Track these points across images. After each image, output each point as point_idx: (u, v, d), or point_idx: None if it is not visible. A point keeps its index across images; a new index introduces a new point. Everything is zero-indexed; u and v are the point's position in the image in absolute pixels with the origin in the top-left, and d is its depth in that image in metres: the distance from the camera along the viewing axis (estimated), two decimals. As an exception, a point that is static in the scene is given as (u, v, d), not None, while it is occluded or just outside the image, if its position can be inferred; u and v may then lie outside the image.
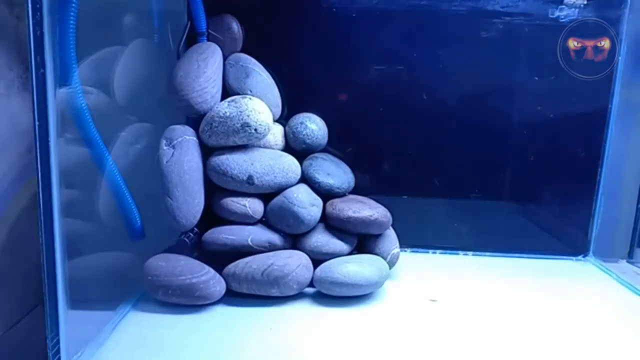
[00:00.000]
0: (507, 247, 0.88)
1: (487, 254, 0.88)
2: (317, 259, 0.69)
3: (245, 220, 0.69)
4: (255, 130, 0.67)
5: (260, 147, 0.72)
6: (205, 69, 0.69)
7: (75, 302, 0.50)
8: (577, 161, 0.86)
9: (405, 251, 0.87)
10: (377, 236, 0.73)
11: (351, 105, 0.86)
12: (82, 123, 0.58)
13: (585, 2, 0.79)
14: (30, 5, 0.42)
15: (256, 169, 0.68)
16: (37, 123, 0.44)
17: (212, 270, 0.65)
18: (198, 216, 0.67)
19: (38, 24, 0.43)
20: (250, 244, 0.67)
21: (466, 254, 0.88)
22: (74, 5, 0.52)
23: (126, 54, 0.69)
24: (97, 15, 0.64)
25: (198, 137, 0.69)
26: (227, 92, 0.72)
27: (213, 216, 0.70)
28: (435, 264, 0.85)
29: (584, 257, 0.88)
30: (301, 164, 0.73)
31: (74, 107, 0.57)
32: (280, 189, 0.70)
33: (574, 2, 0.79)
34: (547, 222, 0.89)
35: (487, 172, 0.87)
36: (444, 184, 0.88)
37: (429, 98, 0.85)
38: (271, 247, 0.68)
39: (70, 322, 0.49)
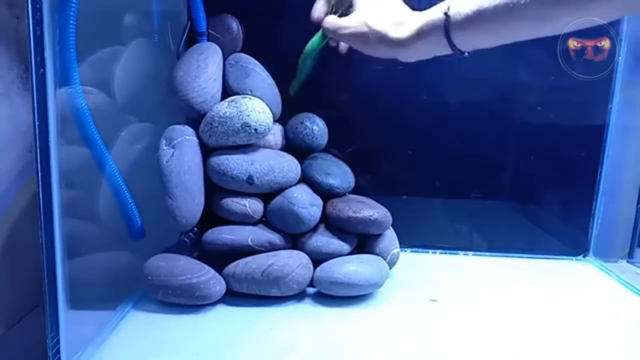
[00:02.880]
0: (507, 247, 0.88)
1: (487, 254, 0.88)
2: (317, 259, 0.69)
3: (245, 220, 0.69)
4: (255, 130, 0.67)
5: (260, 147, 0.72)
6: (205, 69, 0.69)
7: (75, 302, 0.50)
8: (577, 161, 0.86)
9: (405, 251, 0.87)
10: (377, 236, 0.73)
11: (351, 106, 0.86)
12: (82, 123, 0.58)
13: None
14: (30, 5, 0.42)
15: (256, 169, 0.68)
16: (37, 123, 0.44)
17: (212, 270, 0.65)
18: (198, 216, 0.67)
19: (38, 24, 0.43)
20: (250, 244, 0.67)
21: (466, 254, 0.88)
22: (74, 5, 0.52)
23: (126, 54, 0.69)
24: (97, 15, 0.64)
25: (198, 137, 0.69)
26: (227, 92, 0.72)
27: (213, 216, 0.70)
28: (435, 264, 0.85)
29: (584, 257, 0.88)
30: (301, 164, 0.73)
31: (74, 107, 0.57)
32: (280, 189, 0.69)
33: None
34: (547, 222, 0.89)
35: (487, 172, 0.87)
36: (444, 184, 0.88)
37: (429, 98, 0.85)
38: (271, 247, 0.68)
39: (70, 322, 0.49)
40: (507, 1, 0.50)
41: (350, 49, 0.68)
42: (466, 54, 0.57)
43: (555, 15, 0.49)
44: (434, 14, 0.56)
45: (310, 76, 0.73)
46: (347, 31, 0.63)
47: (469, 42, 0.55)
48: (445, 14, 0.54)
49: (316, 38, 0.70)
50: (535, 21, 0.50)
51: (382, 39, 0.59)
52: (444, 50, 0.57)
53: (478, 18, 0.52)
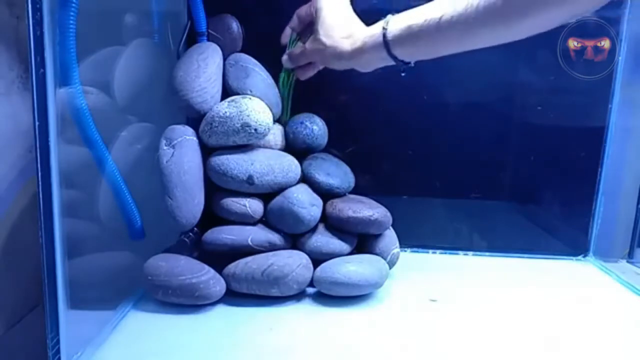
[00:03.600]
0: (507, 247, 0.88)
1: (487, 254, 0.88)
2: (317, 259, 0.69)
3: (245, 220, 0.69)
4: (255, 130, 0.67)
5: (260, 147, 0.72)
6: (205, 69, 0.69)
7: (75, 302, 0.50)
8: (577, 161, 0.86)
9: (405, 251, 0.87)
10: (377, 236, 0.73)
11: (351, 106, 0.86)
12: (82, 123, 0.58)
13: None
14: (30, 5, 0.42)
15: (256, 169, 0.68)
16: (37, 123, 0.44)
17: (212, 270, 0.65)
18: (198, 216, 0.67)
19: (38, 24, 0.43)
20: (250, 244, 0.67)
21: (466, 254, 0.88)
22: (74, 5, 0.52)
23: (126, 53, 0.69)
24: (98, 15, 0.64)
25: (198, 137, 0.69)
26: (227, 92, 0.72)
27: (213, 216, 0.70)
28: (435, 264, 0.85)
29: (584, 257, 0.88)
30: (301, 164, 0.73)
31: (74, 107, 0.57)
32: (280, 189, 0.69)
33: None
34: (547, 222, 0.89)
35: (487, 172, 0.87)
36: (444, 184, 0.88)
37: (429, 98, 0.85)
38: (271, 247, 0.68)
39: (70, 322, 0.49)
40: (434, 19, 0.55)
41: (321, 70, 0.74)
42: (412, 63, 0.62)
43: (478, 33, 0.54)
44: (376, 29, 0.61)
45: (291, 103, 0.77)
46: (307, 55, 0.69)
47: (408, 55, 0.61)
48: (384, 28, 0.60)
49: (283, 76, 0.75)
50: (462, 38, 0.55)
51: (334, 53, 0.65)
52: (389, 61, 0.62)
53: (411, 34, 0.58)
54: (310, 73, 0.74)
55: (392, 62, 0.63)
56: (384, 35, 0.60)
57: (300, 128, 0.74)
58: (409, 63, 0.62)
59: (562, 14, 0.50)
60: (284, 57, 0.73)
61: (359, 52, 0.63)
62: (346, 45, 0.64)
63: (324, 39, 0.65)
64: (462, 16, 0.53)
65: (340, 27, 0.65)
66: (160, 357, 0.55)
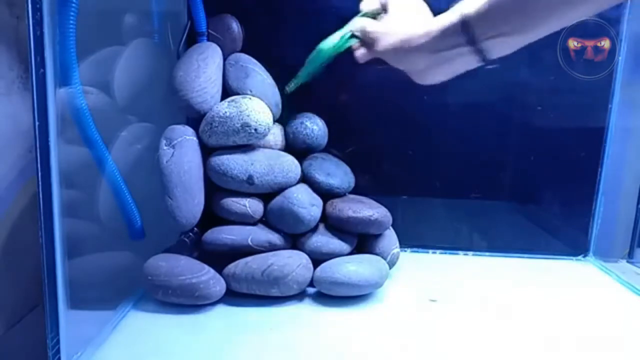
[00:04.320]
0: (507, 247, 0.88)
1: (487, 254, 0.88)
2: (317, 259, 0.69)
3: (245, 220, 0.69)
4: (255, 130, 0.67)
5: (260, 147, 0.72)
6: (205, 69, 0.69)
7: (75, 302, 0.50)
8: (577, 161, 0.86)
9: (405, 251, 0.87)
10: (377, 236, 0.73)
11: (351, 106, 0.86)
12: (82, 123, 0.58)
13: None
14: (30, 5, 0.42)
15: (256, 169, 0.68)
16: (37, 123, 0.44)
17: (212, 270, 0.65)
18: (198, 216, 0.67)
19: (38, 24, 0.43)
20: (250, 244, 0.67)
21: (466, 254, 0.88)
22: (74, 5, 0.52)
23: (126, 53, 0.69)
24: (98, 15, 0.64)
25: (198, 137, 0.69)
26: (227, 92, 0.72)
27: (213, 216, 0.70)
28: (435, 264, 0.85)
29: (584, 257, 0.88)
30: (301, 164, 0.73)
31: (74, 107, 0.57)
32: (280, 189, 0.69)
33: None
34: (547, 222, 0.89)
35: (487, 172, 0.87)
36: (444, 184, 0.88)
37: (429, 98, 0.85)
38: (271, 247, 0.68)
39: (70, 322, 0.49)
40: None
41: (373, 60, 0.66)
42: (495, 58, 0.54)
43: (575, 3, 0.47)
44: (450, 16, 0.52)
45: (312, 78, 0.69)
46: (370, 34, 0.61)
47: (491, 43, 0.52)
48: (461, 13, 0.51)
49: (340, 38, 0.65)
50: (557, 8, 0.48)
51: (403, 38, 0.56)
52: (466, 52, 0.54)
53: (491, 9, 0.49)
54: (367, 58, 0.64)
55: (469, 55, 0.54)
56: (463, 20, 0.51)
57: (300, 128, 0.74)
58: (487, 57, 0.54)
59: None
60: (356, 22, 0.63)
61: (429, 35, 0.54)
62: (417, 27, 0.55)
63: (393, 22, 0.58)
64: None
65: (412, 11, 0.58)
66: (160, 357, 0.55)
